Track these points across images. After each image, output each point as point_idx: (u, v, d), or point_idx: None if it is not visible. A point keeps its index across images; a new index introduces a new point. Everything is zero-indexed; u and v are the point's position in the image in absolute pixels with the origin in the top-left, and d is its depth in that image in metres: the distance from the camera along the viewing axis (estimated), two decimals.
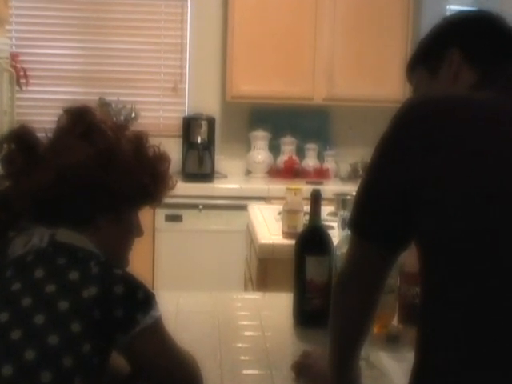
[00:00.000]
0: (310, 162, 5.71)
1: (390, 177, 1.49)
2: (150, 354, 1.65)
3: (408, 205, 1.46)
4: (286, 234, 3.31)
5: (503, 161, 1.40)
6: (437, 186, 1.42)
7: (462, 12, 1.76)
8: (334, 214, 3.62)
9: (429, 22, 1.74)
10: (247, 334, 2.29)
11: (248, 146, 5.71)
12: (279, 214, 3.57)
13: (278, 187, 4.80)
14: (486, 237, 1.39)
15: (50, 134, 1.77)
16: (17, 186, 1.73)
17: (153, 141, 1.82)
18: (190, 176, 5.41)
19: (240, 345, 2.20)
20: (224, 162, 5.68)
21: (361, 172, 5.33)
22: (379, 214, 1.51)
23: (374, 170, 1.53)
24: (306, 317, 2.30)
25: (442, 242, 1.43)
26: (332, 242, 2.33)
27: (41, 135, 1.77)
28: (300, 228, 3.09)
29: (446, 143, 1.42)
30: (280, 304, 2.46)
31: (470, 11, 1.73)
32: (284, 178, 5.50)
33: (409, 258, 2.06)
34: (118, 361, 1.70)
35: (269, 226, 3.64)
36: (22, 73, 5.31)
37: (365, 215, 1.55)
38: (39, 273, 1.62)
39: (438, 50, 1.65)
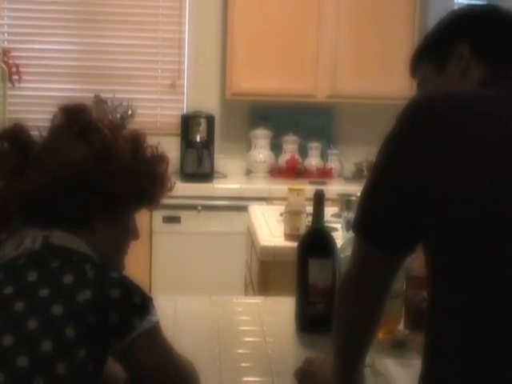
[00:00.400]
0: (313, 161, 5.67)
1: (395, 177, 1.48)
2: (147, 360, 1.64)
3: (414, 206, 1.45)
4: (288, 236, 3.28)
5: (510, 162, 1.38)
6: (442, 186, 1.40)
7: (470, 6, 1.74)
8: (337, 216, 3.59)
9: (436, 16, 1.73)
10: (248, 339, 2.27)
11: (249, 144, 5.68)
12: (281, 215, 3.55)
13: (280, 187, 4.77)
14: (490, 238, 1.37)
15: (44, 133, 1.75)
16: (10, 186, 1.71)
17: (150, 140, 1.80)
18: (189, 176, 5.38)
19: (240, 351, 2.17)
20: (224, 161, 5.65)
21: (366, 172, 5.30)
22: (384, 215, 1.50)
23: (379, 171, 1.52)
24: (309, 322, 2.27)
25: (447, 243, 1.42)
26: (336, 245, 2.31)
27: (34, 133, 1.74)
28: (303, 230, 3.07)
29: (453, 142, 1.40)
30: (282, 309, 2.43)
31: (478, 5, 1.70)
32: (286, 177, 5.46)
33: (415, 262, 2.05)
34: (114, 367, 1.69)
35: (270, 228, 3.62)
36: (14, 69, 5.31)
37: (369, 217, 1.53)
38: (32, 276, 1.61)
39: (446, 44, 1.63)
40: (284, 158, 5.64)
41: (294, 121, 5.66)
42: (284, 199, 3.52)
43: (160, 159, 1.80)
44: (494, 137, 1.40)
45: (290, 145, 5.65)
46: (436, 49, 1.66)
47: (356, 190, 2.70)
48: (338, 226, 3.18)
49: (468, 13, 1.70)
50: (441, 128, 1.41)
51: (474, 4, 1.73)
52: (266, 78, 5.34)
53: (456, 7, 4.27)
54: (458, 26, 1.66)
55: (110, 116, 4.29)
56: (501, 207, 1.37)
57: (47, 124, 1.75)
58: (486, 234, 1.37)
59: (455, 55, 1.60)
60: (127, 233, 1.79)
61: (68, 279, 1.58)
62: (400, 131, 1.48)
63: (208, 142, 5.47)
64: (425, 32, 1.74)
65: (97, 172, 1.67)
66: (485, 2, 1.63)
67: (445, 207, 1.40)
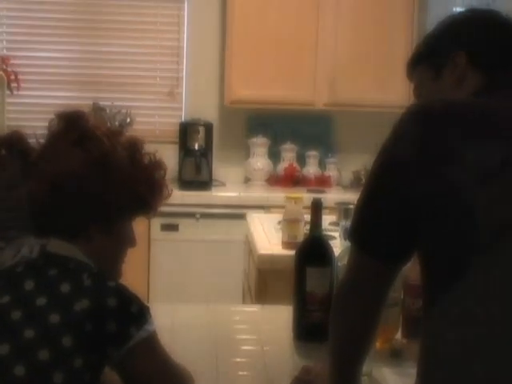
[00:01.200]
0: (311, 169, 5.65)
1: (391, 185, 1.46)
2: (144, 369, 1.63)
3: (409, 216, 1.43)
4: (286, 244, 3.27)
5: (506, 170, 1.39)
6: (437, 197, 1.40)
7: (470, 11, 1.72)
8: (335, 224, 3.57)
9: (434, 25, 1.71)
10: (245, 348, 2.26)
11: (247, 152, 5.67)
12: (279, 223, 3.53)
13: (278, 195, 4.75)
14: (484, 246, 1.37)
15: (41, 140, 1.73)
16: (7, 193, 1.69)
17: (148, 147, 1.79)
18: (187, 184, 5.36)
19: (238, 359, 2.17)
20: (222, 169, 5.64)
21: (363, 180, 5.27)
22: (380, 225, 1.50)
23: (376, 178, 1.51)
24: (307, 330, 2.26)
25: (441, 252, 1.42)
26: (333, 253, 2.30)
27: (32, 141, 1.74)
28: (300, 238, 3.05)
29: (447, 152, 1.41)
30: (279, 317, 2.42)
31: (478, 11, 1.68)
32: (284, 186, 5.45)
33: (413, 270, 2.02)
34: (111, 377, 1.66)
35: (268, 236, 3.60)
36: (12, 76, 5.29)
37: (365, 226, 1.53)
38: (29, 285, 1.60)
39: (443, 50, 1.62)
40: (282, 166, 5.63)
41: (292, 129, 5.65)
42: (282, 207, 3.51)
43: (158, 166, 1.79)
44: (488, 146, 1.40)
45: (288, 153, 5.64)
46: (433, 54, 1.65)
47: (354, 198, 2.69)
48: (336, 234, 3.17)
49: (467, 19, 1.68)
50: (435, 138, 1.41)
51: (474, 9, 1.70)
52: (265, 86, 5.32)
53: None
54: (455, 32, 1.65)
55: (108, 124, 4.27)
56: (500, 211, 1.37)
57: (45, 131, 1.75)
58: (482, 244, 1.37)
59: (451, 63, 1.60)
60: (124, 240, 1.78)
61: (65, 288, 1.57)
62: (394, 141, 1.47)
63: (206, 150, 5.46)
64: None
65: (94, 180, 1.66)
66: (484, 6, 1.62)
67: (441, 216, 1.39)
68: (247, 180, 5.69)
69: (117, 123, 5.18)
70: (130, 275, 1.84)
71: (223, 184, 5.58)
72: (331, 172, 5.67)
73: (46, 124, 1.76)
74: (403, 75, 1.77)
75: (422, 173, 1.41)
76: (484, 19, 1.66)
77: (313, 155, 5.66)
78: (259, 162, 5.61)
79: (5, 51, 5.47)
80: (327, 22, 5.34)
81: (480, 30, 1.62)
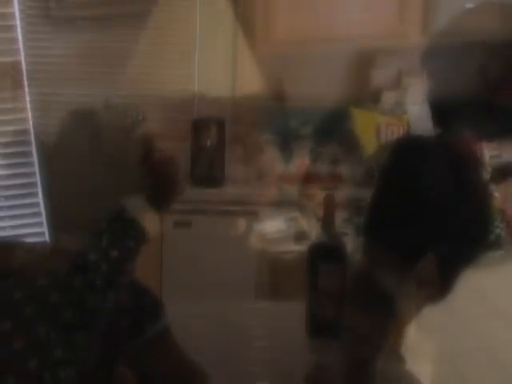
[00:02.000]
0: (324, 165, 5.64)
1: (397, 183, 1.46)
2: (157, 364, 1.65)
3: (422, 212, 1.43)
4: (299, 241, 3.26)
5: None
6: (449, 195, 1.39)
7: (482, 4, 1.72)
8: (348, 220, 3.56)
9: (446, 14, 1.72)
10: (258, 344, 2.26)
11: (259, 149, 5.65)
12: (291, 219, 3.53)
13: (291, 192, 4.75)
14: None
15: (54, 138, 1.75)
16: None
17: (160, 144, 1.79)
18: (200, 181, 5.36)
19: (250, 355, 2.17)
20: (234, 166, 5.62)
21: (376, 176, 5.26)
22: (393, 221, 1.49)
23: (388, 176, 1.51)
24: (319, 327, 2.26)
25: (456, 248, 1.42)
26: (346, 250, 2.29)
27: (45, 138, 1.75)
28: (313, 234, 3.05)
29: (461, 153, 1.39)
30: (292, 313, 2.42)
31: (490, 3, 1.69)
32: (296, 182, 5.43)
33: (425, 263, 2.02)
34: (124, 372, 1.67)
35: (281, 233, 3.59)
36: (24, 73, 5.29)
37: (379, 222, 1.53)
38: (42, 281, 1.59)
39: (457, 44, 1.62)
40: (295, 163, 5.62)
41: (305, 125, 5.64)
42: (294, 204, 3.51)
43: (170, 162, 1.80)
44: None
45: (301, 149, 5.63)
46: (448, 46, 1.66)
47: (366, 195, 2.70)
48: (349, 230, 3.17)
49: (479, 13, 1.69)
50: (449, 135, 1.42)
51: (486, 1, 1.70)
52: (276, 82, 5.32)
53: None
54: (469, 27, 1.65)
55: (120, 121, 4.29)
56: None
57: (58, 129, 1.76)
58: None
59: (466, 55, 1.60)
60: (137, 236, 1.78)
61: (78, 284, 1.58)
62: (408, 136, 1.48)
63: (218, 147, 5.46)
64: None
65: (107, 176, 1.68)
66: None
67: (458, 208, 1.40)
68: (260, 177, 5.68)
69: (129, 120, 5.19)
70: (143, 272, 1.84)
71: (236, 181, 5.58)
72: (344, 169, 5.66)
73: (59, 121, 1.77)
74: (418, 70, 1.77)
75: (432, 171, 1.41)
76: (497, 13, 1.65)
77: (326, 152, 5.65)
78: (272, 158, 5.61)
79: (16, 47, 5.48)
80: (339, 18, 5.32)
81: (492, 25, 1.62)
